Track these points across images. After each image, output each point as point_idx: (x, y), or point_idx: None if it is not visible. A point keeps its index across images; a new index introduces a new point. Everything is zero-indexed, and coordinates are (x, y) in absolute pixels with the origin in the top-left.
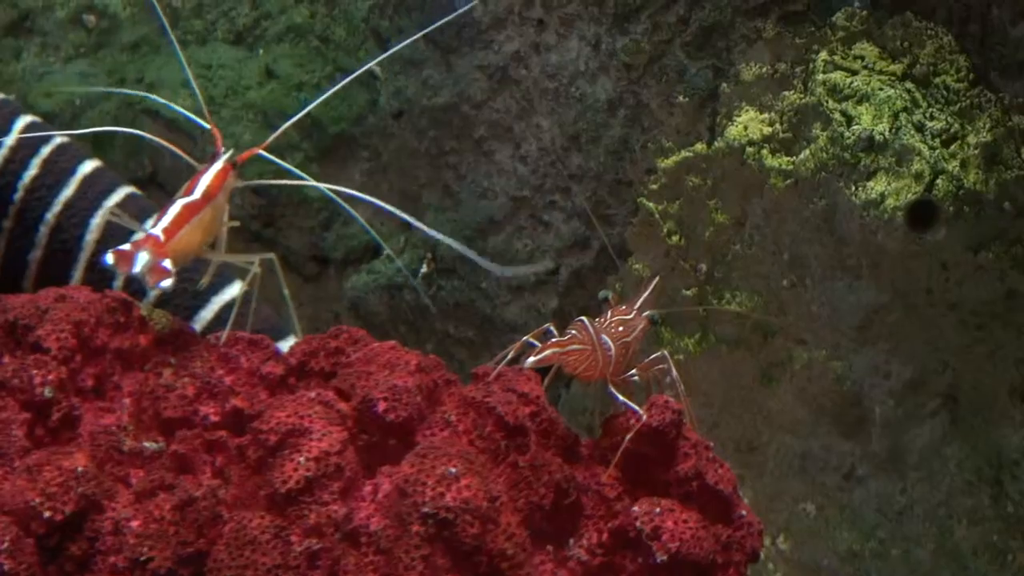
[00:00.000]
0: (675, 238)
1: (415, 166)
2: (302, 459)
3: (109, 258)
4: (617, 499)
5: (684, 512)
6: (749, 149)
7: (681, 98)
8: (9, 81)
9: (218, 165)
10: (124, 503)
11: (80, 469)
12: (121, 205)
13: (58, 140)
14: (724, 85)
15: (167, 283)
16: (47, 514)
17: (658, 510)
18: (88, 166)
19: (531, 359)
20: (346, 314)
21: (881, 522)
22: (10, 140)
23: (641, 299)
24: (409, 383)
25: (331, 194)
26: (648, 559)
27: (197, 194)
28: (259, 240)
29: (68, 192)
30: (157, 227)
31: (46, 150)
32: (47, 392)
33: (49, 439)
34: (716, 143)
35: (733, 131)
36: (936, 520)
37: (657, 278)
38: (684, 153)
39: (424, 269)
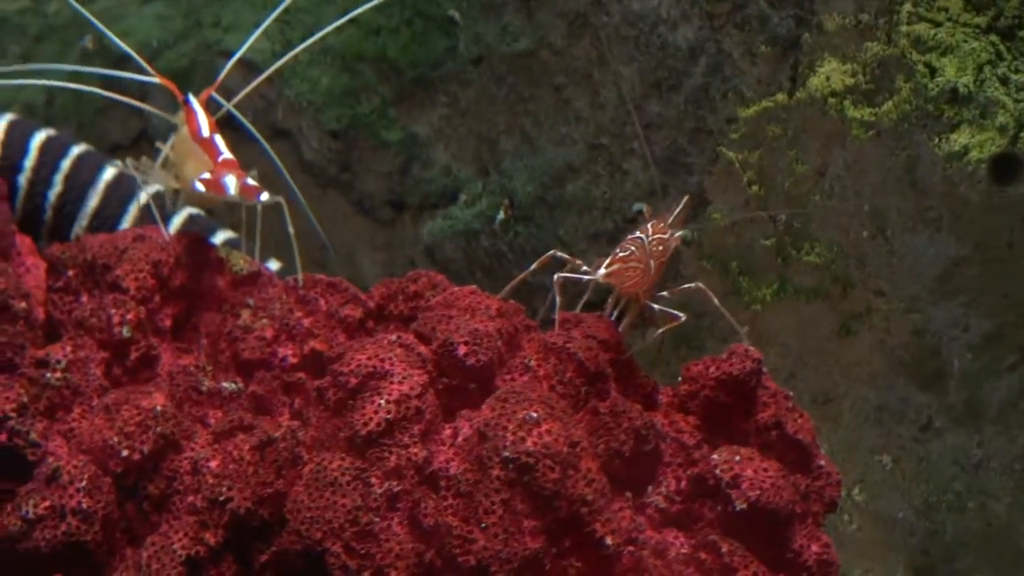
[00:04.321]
0: (754, 188)
1: (493, 112)
2: (383, 401)
3: (199, 186)
4: (696, 447)
5: (764, 461)
6: (831, 100)
7: (763, 47)
8: (84, 22)
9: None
10: (202, 443)
11: (158, 409)
12: (148, 205)
13: (76, 151)
14: (806, 35)
15: (265, 196)
16: (125, 453)
17: (738, 458)
18: (109, 173)
19: (601, 271)
20: (421, 260)
21: (958, 475)
22: (30, 161)
23: (673, 216)
24: (490, 328)
25: None
26: (727, 507)
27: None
28: (335, 184)
29: (93, 203)
30: (225, 153)
31: (66, 164)
32: (125, 331)
33: (127, 378)
34: (798, 93)
35: (815, 81)
36: (1013, 474)
37: (687, 196)
38: (765, 103)
39: (501, 216)
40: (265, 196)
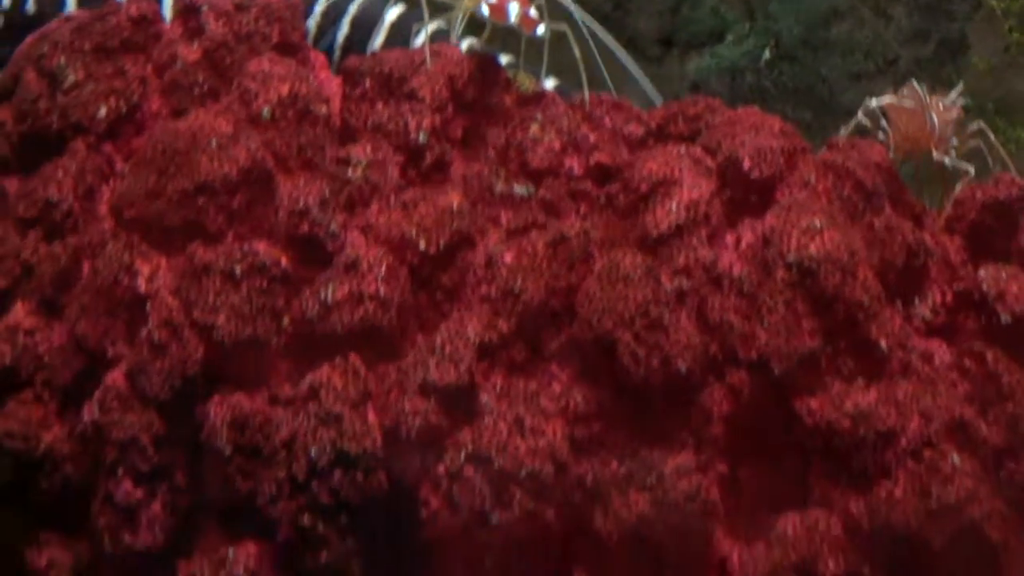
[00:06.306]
0: (1015, 34)
1: None
2: (673, 205)
3: (485, 10)
4: (962, 265)
5: None
6: None
7: None
8: None
9: None
10: (496, 240)
11: (455, 205)
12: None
13: None
14: None
15: (542, 30)
16: (422, 245)
17: (1004, 275)
18: (393, 13)
19: (875, 101)
20: (687, 96)
21: None
22: (320, 5)
23: (955, 92)
24: (773, 144)
25: None
26: (990, 320)
27: None
28: (607, 23)
29: (378, 42)
30: None
31: (354, 8)
32: (421, 137)
33: (421, 181)
34: None
35: None
36: None
37: (960, 84)
38: None
39: (766, 55)
40: (542, 30)
